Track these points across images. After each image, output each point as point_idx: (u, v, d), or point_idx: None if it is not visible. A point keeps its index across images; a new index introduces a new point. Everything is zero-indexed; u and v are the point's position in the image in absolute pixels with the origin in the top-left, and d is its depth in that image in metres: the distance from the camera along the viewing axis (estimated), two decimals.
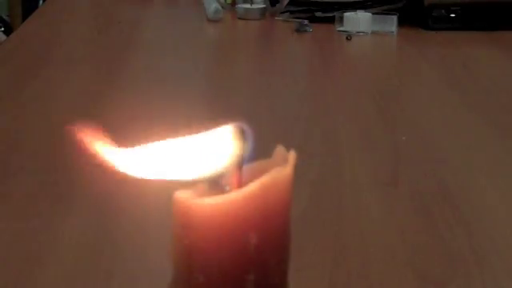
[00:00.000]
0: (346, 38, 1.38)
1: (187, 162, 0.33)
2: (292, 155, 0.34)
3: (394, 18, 1.40)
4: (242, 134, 0.34)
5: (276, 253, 0.35)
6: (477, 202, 0.73)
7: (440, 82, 1.15)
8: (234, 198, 0.33)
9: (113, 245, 0.65)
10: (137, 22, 1.56)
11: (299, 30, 1.43)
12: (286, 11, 1.54)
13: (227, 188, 0.34)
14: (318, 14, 1.49)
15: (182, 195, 0.33)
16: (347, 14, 1.41)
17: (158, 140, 0.34)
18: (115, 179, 0.35)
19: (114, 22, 1.57)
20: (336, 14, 1.43)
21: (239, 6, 1.55)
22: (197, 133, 0.34)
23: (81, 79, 1.16)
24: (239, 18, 1.54)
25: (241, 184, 0.34)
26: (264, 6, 1.55)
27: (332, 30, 1.42)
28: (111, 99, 1.04)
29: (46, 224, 0.68)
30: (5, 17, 2.93)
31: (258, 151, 0.35)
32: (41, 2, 2.54)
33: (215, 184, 0.34)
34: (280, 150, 0.35)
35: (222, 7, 1.53)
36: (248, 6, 1.55)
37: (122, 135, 0.34)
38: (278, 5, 1.56)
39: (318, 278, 0.59)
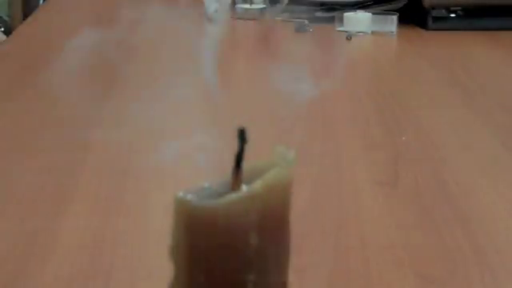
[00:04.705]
0: (346, 38, 1.37)
1: None
2: (292, 155, 0.34)
3: (394, 17, 1.40)
4: (243, 134, 0.34)
5: (276, 253, 0.35)
6: (477, 202, 0.73)
7: (440, 81, 1.15)
8: (234, 198, 0.33)
9: (113, 245, 0.65)
10: (137, 22, 1.55)
11: (299, 29, 1.43)
12: (286, 11, 1.54)
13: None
14: (318, 13, 1.49)
15: (183, 196, 0.33)
16: (347, 14, 1.41)
17: None
18: None
19: (113, 22, 1.57)
20: (336, 14, 1.43)
21: (239, 5, 1.55)
22: None
23: (81, 79, 1.16)
24: (239, 18, 1.54)
25: (241, 184, 0.34)
26: (264, 5, 1.55)
27: (332, 30, 1.42)
28: (110, 99, 1.04)
29: (46, 224, 0.68)
30: (5, 17, 2.93)
31: (258, 151, 0.35)
32: (41, 1, 2.54)
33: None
34: (280, 150, 0.35)
35: None
36: (248, 5, 1.55)
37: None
38: (277, 5, 1.56)
39: (318, 278, 0.59)
